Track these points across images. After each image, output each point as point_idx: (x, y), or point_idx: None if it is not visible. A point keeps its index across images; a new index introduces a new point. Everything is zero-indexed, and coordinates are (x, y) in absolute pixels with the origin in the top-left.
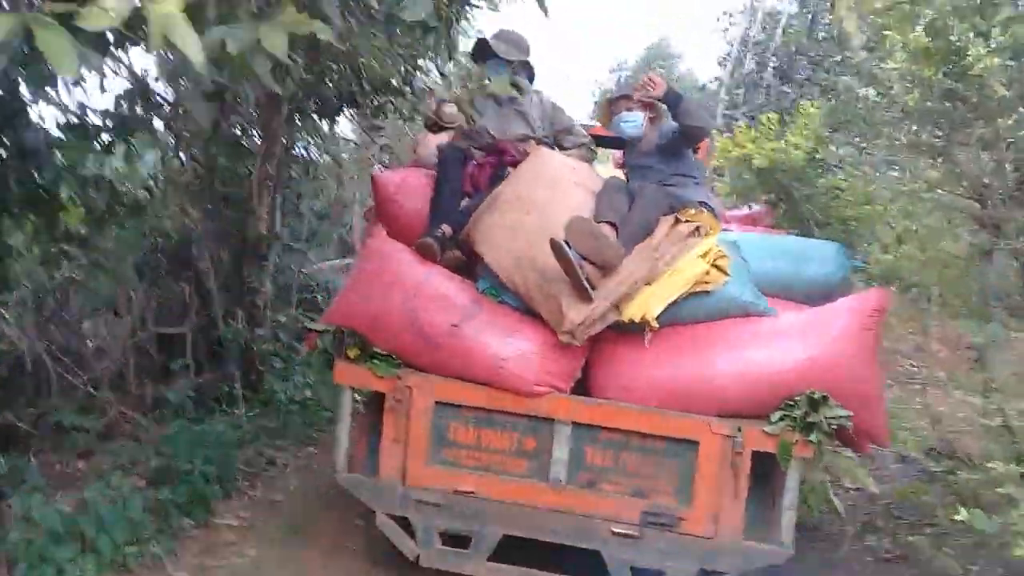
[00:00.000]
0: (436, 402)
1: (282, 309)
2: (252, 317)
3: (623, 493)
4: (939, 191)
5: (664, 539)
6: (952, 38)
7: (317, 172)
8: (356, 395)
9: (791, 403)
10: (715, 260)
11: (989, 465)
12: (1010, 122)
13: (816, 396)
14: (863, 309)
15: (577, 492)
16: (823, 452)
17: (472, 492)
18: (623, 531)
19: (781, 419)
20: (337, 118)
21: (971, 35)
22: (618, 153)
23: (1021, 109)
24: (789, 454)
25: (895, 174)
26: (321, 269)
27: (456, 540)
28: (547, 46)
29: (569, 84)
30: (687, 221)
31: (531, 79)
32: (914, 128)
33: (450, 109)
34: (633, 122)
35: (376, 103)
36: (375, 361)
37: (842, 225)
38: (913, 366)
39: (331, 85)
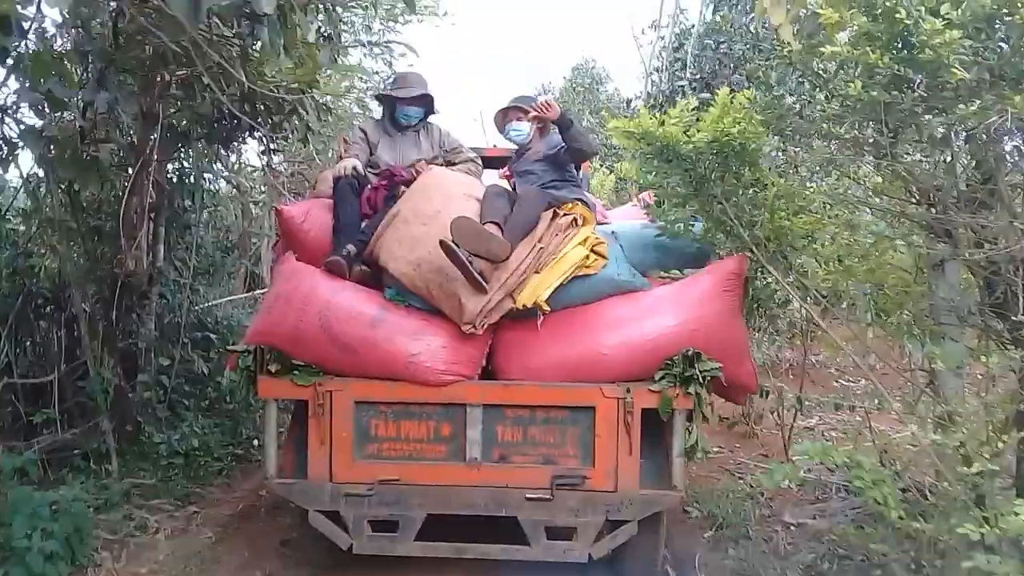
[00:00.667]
0: (356, 402)
1: (169, 351)
2: (133, 361)
3: (534, 462)
4: (885, 196)
5: (573, 498)
6: (899, 15)
7: (211, 201)
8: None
9: (670, 362)
10: (593, 246)
11: (956, 527)
12: (973, 108)
13: (690, 353)
14: (721, 275)
15: (492, 467)
16: (703, 402)
17: (396, 480)
18: (536, 496)
19: (663, 378)
20: (236, 144)
21: (922, 10)
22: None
23: (985, 95)
24: (671, 407)
25: (833, 180)
26: (218, 305)
27: (385, 526)
28: (471, 70)
29: (493, 107)
30: (565, 214)
31: (429, 114)
32: (856, 123)
33: (346, 165)
34: (520, 131)
35: (269, 124)
36: (295, 372)
37: (776, 237)
38: (851, 381)
39: (210, 104)
